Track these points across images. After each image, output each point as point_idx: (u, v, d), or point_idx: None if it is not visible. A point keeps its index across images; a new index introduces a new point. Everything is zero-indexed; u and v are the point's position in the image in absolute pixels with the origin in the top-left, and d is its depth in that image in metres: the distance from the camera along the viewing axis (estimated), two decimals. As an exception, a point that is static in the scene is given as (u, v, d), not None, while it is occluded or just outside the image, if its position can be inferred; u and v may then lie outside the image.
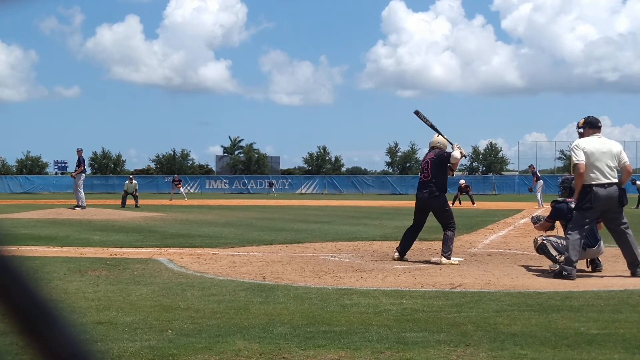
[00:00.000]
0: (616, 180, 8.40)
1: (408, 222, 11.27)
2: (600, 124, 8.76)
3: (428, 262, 9.89)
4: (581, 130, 8.78)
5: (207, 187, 67.63)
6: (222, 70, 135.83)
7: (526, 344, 4.57)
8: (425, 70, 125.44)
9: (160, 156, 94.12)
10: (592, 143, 8.48)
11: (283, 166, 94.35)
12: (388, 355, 4.26)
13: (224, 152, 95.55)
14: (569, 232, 8.40)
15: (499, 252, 11.27)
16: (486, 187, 62.01)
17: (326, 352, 4.35)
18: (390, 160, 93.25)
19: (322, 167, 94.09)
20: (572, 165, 8.57)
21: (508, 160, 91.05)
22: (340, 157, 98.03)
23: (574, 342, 4.61)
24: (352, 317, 5.60)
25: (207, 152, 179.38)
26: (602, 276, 8.48)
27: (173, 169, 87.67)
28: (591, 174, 8.31)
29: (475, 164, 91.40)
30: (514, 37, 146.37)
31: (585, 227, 8.41)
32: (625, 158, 8.55)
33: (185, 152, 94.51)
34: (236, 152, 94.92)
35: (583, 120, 8.83)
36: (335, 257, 10.51)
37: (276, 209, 29.36)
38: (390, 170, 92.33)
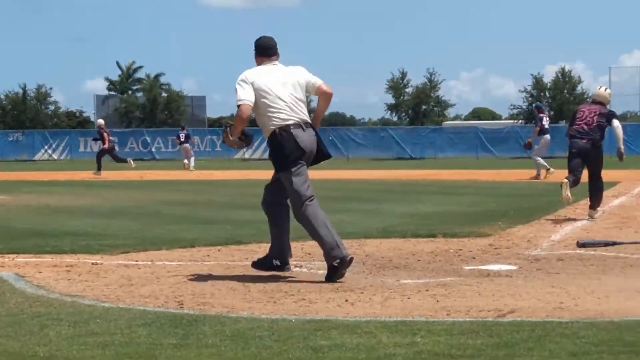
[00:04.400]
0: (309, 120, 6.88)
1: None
2: (274, 49, 7.03)
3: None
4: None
5: (80, 149, 46.76)
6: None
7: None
8: None
9: (3, 97, 61.73)
10: (264, 73, 6.85)
11: (211, 113, 66.49)
12: None
13: (109, 90, 66.30)
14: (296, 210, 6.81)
15: (577, 255, 8.46)
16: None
17: None
18: (394, 102, 60.25)
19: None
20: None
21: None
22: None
23: None
24: (331, 368, 4.17)
25: (82, 90, 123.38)
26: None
27: (24, 118, 59.32)
28: (279, 114, 6.70)
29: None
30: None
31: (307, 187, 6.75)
32: (317, 79, 6.93)
33: (44, 89, 62.27)
34: (132, 90, 66.02)
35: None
36: (301, 266, 7.90)
37: (200, 187, 22.73)
38: (395, 119, 63.90)
